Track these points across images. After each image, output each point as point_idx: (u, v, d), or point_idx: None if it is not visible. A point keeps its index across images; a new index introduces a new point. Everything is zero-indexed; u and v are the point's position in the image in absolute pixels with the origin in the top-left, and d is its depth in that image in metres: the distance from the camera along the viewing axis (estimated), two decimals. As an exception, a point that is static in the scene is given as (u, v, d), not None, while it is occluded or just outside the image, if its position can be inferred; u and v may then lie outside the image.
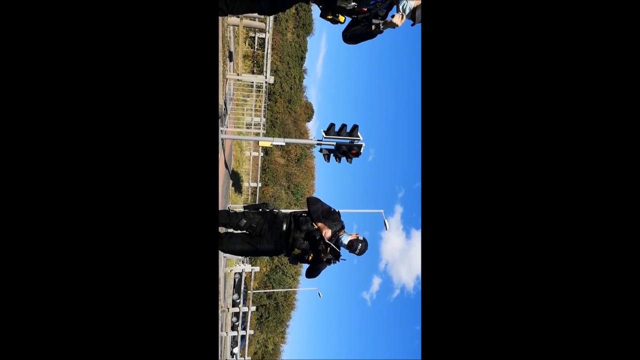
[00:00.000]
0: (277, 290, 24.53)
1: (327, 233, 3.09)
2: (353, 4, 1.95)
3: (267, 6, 2.04)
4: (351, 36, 2.46)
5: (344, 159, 8.42)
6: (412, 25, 2.07)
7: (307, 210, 3.28)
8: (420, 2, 2.02)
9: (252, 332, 14.63)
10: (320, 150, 8.60)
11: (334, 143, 8.31)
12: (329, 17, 1.96)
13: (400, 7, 2.04)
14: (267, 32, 10.94)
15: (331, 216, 3.24)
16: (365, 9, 2.00)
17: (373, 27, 2.26)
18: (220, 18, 6.60)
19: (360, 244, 3.12)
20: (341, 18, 1.95)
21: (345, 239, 3.13)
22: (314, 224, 3.16)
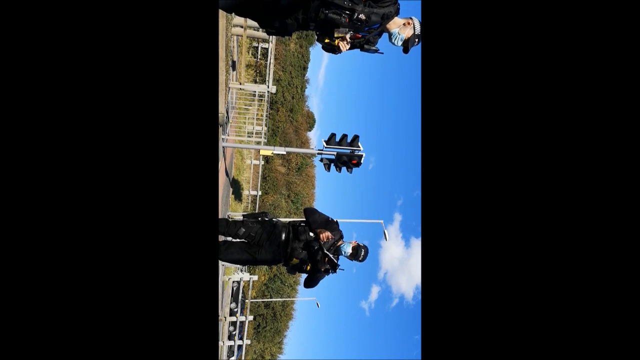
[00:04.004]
0: (275, 299, 24.34)
1: (327, 236, 3.11)
2: (350, 32, 2.07)
3: (278, 30, 2.15)
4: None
5: (344, 168, 8.43)
6: (405, 53, 2.20)
7: (305, 220, 3.28)
8: (411, 34, 2.14)
9: (249, 341, 14.47)
10: (321, 160, 8.62)
11: (335, 153, 8.33)
12: (327, 41, 2.06)
13: (393, 39, 2.17)
14: (270, 42, 11.05)
15: (329, 226, 3.24)
16: (360, 35, 2.13)
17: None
18: (224, 27, 6.67)
19: (363, 250, 3.19)
20: (337, 42, 2.06)
21: (348, 247, 3.18)
22: (312, 233, 3.17)
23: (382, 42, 2.23)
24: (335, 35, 2.03)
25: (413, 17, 2.17)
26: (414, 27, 2.13)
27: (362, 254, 3.18)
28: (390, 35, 2.15)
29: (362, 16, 1.99)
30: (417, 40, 2.14)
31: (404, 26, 2.13)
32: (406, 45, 2.15)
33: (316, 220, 3.21)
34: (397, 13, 2.11)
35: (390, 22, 2.11)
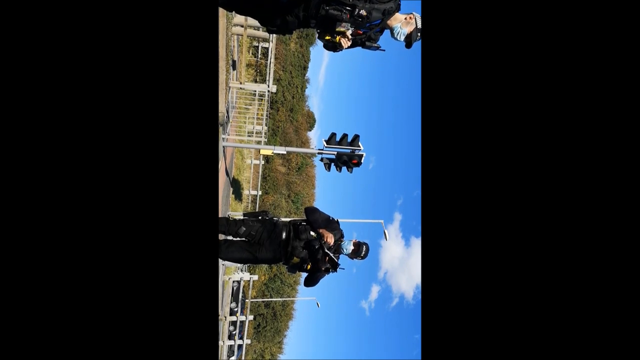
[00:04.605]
0: (275, 299, 24.36)
1: (330, 239, 3.11)
2: (351, 28, 2.06)
3: (278, 29, 2.14)
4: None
5: (344, 168, 8.43)
6: (408, 48, 2.18)
7: (306, 219, 3.28)
8: (413, 28, 2.13)
9: (249, 341, 14.49)
10: (321, 160, 8.63)
11: (335, 152, 8.33)
12: (328, 38, 2.06)
13: (395, 34, 2.16)
14: (270, 42, 11.06)
15: (330, 225, 3.24)
16: (361, 32, 2.13)
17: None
18: (224, 27, 6.67)
19: (364, 247, 3.23)
20: (338, 39, 2.05)
21: (349, 245, 3.21)
22: (313, 232, 3.17)
23: (383, 39, 2.22)
24: (337, 30, 2.03)
25: (414, 13, 2.17)
26: (416, 22, 2.13)
27: (364, 250, 3.21)
28: (392, 30, 2.15)
29: (363, 12, 1.99)
30: (419, 35, 2.14)
31: (405, 21, 2.13)
32: (409, 40, 2.14)
33: (317, 220, 3.21)
34: (397, 9, 2.11)
35: (391, 19, 2.12)
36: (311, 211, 3.30)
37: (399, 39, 2.15)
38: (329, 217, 3.31)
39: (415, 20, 2.13)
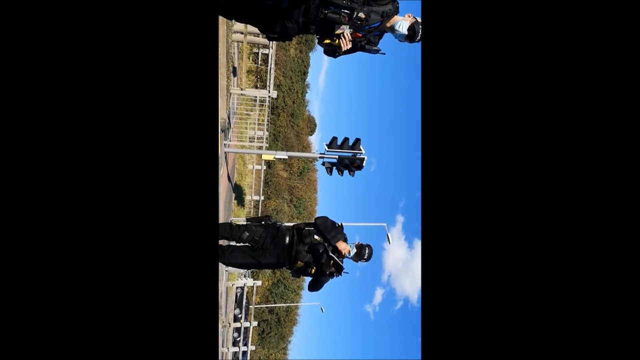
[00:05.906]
0: (279, 305, 24.27)
1: (348, 250, 3.12)
2: (350, 30, 2.07)
3: (279, 36, 2.15)
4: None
5: (346, 172, 8.44)
6: (413, 40, 2.14)
7: (309, 222, 3.29)
8: (414, 20, 2.13)
9: (253, 347, 14.43)
10: (323, 164, 8.64)
11: (337, 156, 8.34)
12: (327, 41, 2.07)
13: (397, 27, 2.15)
14: (270, 48, 11.12)
15: (334, 230, 3.25)
16: (361, 35, 2.14)
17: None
18: (224, 34, 6.71)
19: (367, 249, 3.22)
20: (337, 42, 2.05)
21: (352, 249, 3.21)
22: (327, 243, 3.15)
23: (383, 43, 2.23)
24: (336, 32, 2.04)
25: (411, 14, 2.19)
26: (416, 18, 2.14)
27: (367, 252, 3.20)
28: (392, 27, 2.15)
29: (361, 14, 2.01)
30: (420, 27, 2.11)
31: (404, 17, 2.15)
32: (412, 33, 2.11)
33: (330, 229, 3.18)
34: (396, 12, 2.13)
35: (390, 20, 2.14)
36: (323, 222, 3.28)
37: (401, 30, 2.13)
38: (335, 222, 3.32)
39: (415, 17, 2.14)
